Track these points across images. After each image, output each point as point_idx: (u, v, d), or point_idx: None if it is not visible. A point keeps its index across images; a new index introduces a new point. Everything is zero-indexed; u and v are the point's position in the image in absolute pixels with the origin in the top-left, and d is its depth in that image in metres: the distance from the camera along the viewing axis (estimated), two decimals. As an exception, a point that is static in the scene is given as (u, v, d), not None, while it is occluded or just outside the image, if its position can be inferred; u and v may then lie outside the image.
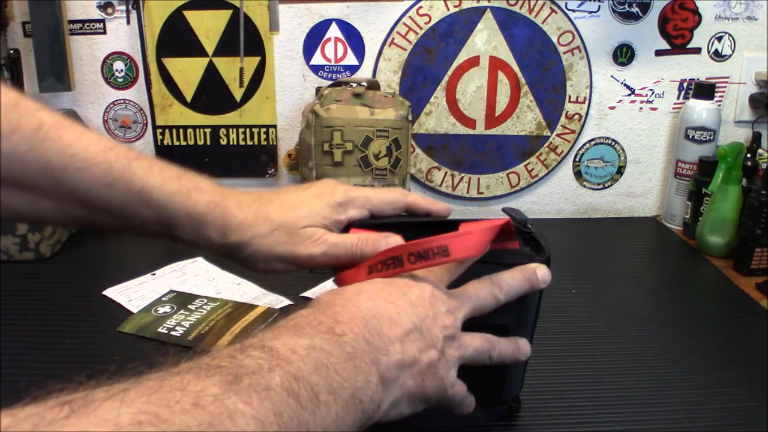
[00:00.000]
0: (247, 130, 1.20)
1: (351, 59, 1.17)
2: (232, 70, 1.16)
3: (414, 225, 0.58)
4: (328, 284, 0.87)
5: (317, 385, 0.37)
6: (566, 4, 1.15)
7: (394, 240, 0.54)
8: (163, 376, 0.32)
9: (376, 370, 0.42)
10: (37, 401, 0.28)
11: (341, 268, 0.55)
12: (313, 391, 0.36)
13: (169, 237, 0.54)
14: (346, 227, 0.57)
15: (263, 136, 1.21)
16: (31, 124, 0.48)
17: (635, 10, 1.15)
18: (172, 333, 0.77)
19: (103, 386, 0.30)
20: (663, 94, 1.21)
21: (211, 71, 1.16)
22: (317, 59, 1.17)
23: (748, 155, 1.06)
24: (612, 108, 1.21)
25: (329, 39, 1.16)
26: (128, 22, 1.13)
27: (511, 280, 0.53)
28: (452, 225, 0.55)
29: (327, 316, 0.43)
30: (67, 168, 0.49)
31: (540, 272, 0.54)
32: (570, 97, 1.20)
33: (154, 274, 0.93)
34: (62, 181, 0.49)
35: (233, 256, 0.56)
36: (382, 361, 0.43)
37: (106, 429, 0.26)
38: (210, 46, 1.15)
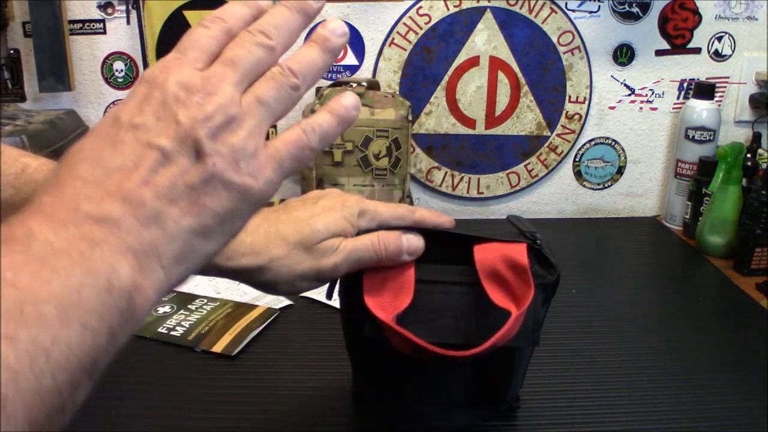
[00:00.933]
0: (247, 130, 1.20)
1: (351, 59, 1.17)
2: (232, 70, 1.16)
3: (423, 231, 0.57)
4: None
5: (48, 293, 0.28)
6: (566, 4, 1.15)
7: (414, 237, 0.54)
8: None
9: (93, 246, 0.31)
10: None
11: (367, 274, 0.54)
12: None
13: None
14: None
15: (263, 136, 1.20)
16: (14, 169, 0.47)
17: (635, 10, 1.15)
18: (172, 333, 0.77)
19: None
20: (663, 94, 1.21)
21: (211, 71, 1.16)
22: (317, 59, 1.17)
23: (748, 155, 1.06)
24: (612, 108, 1.21)
25: (329, 39, 1.16)
26: (128, 22, 1.13)
27: (273, 18, 0.41)
28: (463, 238, 0.56)
29: (21, 225, 0.31)
30: None
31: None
32: (570, 97, 1.20)
33: (154, 274, 0.93)
34: None
35: (249, 281, 0.53)
36: (101, 198, 0.32)
37: None
38: (210, 46, 1.15)
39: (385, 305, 0.52)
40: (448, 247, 0.56)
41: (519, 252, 0.54)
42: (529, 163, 1.23)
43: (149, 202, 0.33)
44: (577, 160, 1.24)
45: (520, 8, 1.14)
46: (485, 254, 0.54)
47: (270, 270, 0.52)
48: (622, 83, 1.20)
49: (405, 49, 1.16)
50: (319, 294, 0.86)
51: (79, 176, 0.32)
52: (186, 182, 0.34)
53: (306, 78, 0.41)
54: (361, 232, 0.55)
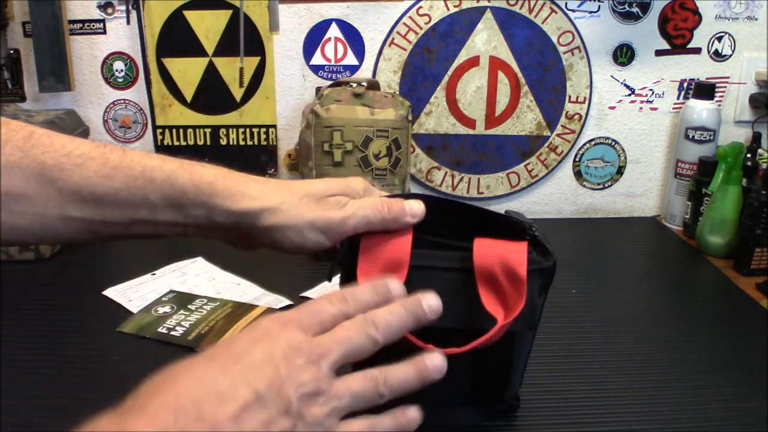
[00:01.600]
0: (247, 130, 1.20)
1: (351, 59, 1.17)
2: (232, 70, 1.16)
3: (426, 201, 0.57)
4: (328, 285, 0.87)
5: None
6: (566, 4, 1.15)
7: (416, 203, 0.55)
8: None
9: None
10: None
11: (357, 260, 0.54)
12: None
13: (182, 224, 0.53)
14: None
15: (263, 136, 1.21)
16: (21, 134, 0.49)
17: (635, 10, 1.15)
18: (172, 333, 0.77)
19: None
20: (663, 94, 1.21)
21: (211, 71, 1.16)
22: (317, 59, 1.17)
23: (748, 155, 1.06)
24: (612, 108, 1.21)
25: (329, 39, 1.16)
26: (128, 22, 1.13)
27: (390, 316, 0.44)
28: (465, 210, 0.57)
29: (119, 425, 0.36)
30: (64, 167, 0.49)
31: (426, 300, 0.46)
32: (570, 97, 1.20)
33: (154, 274, 0.93)
34: (61, 180, 0.49)
35: (255, 229, 0.53)
36: None
37: None
38: (210, 46, 1.15)
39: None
40: (449, 219, 0.57)
41: (519, 261, 0.53)
42: (529, 163, 1.23)
43: None
44: (577, 160, 1.24)
45: (520, 8, 1.14)
46: (485, 254, 0.54)
47: (280, 212, 0.52)
48: (622, 83, 1.20)
49: (405, 49, 1.16)
50: (318, 294, 0.86)
51: (180, 390, 0.37)
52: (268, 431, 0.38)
53: (387, 334, 0.44)
54: None
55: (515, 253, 0.54)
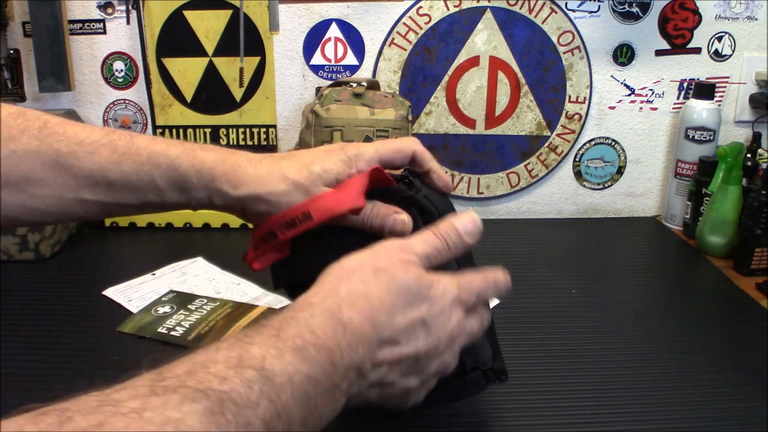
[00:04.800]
0: (247, 130, 1.20)
1: (351, 59, 1.17)
2: (232, 70, 1.16)
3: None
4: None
5: (295, 417, 0.37)
6: (566, 4, 1.15)
7: (403, 217, 0.55)
8: (152, 386, 0.33)
9: (346, 392, 0.42)
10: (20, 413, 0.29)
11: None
12: (290, 423, 0.37)
13: (187, 204, 0.55)
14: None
15: (263, 136, 1.21)
16: (37, 124, 0.52)
17: (635, 10, 1.15)
18: (172, 333, 0.77)
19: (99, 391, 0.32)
20: (663, 94, 1.21)
21: (211, 71, 1.16)
22: (317, 59, 1.17)
23: (748, 155, 1.06)
24: (612, 108, 1.21)
25: (329, 39, 1.16)
26: (128, 22, 1.13)
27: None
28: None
29: (336, 335, 0.42)
30: (77, 154, 0.52)
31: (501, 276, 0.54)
32: (570, 97, 1.20)
33: (154, 274, 0.93)
34: (75, 167, 0.52)
35: (248, 212, 0.55)
36: (357, 384, 0.43)
37: None
38: (210, 46, 1.15)
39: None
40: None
41: (368, 172, 0.55)
42: (529, 163, 1.23)
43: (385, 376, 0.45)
44: (577, 160, 1.24)
45: (520, 8, 1.14)
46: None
47: (268, 202, 0.54)
48: (622, 83, 1.20)
49: (405, 49, 1.16)
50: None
51: (361, 319, 0.44)
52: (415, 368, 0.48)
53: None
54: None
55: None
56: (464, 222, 0.53)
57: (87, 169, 0.52)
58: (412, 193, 0.57)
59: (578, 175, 1.25)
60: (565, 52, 1.17)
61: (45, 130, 0.52)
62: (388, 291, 0.46)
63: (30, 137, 0.51)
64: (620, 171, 1.25)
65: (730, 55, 1.19)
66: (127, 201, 0.54)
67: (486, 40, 1.16)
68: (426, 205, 0.57)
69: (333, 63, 1.17)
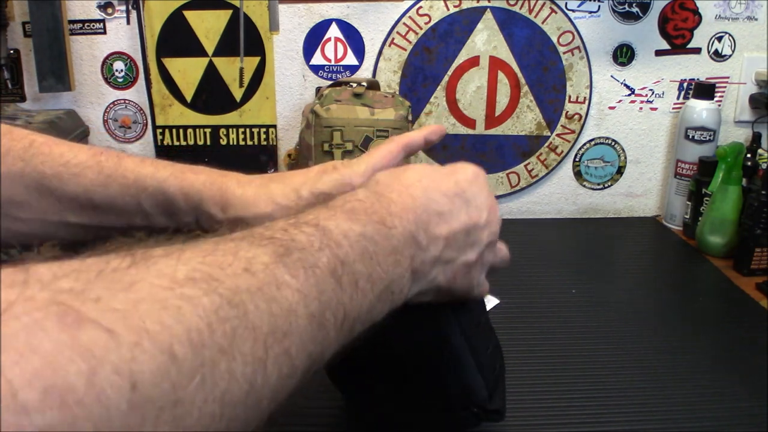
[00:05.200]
0: (247, 130, 1.20)
1: (351, 59, 1.17)
2: (232, 70, 1.16)
3: None
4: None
5: (359, 272, 0.38)
6: (566, 4, 1.15)
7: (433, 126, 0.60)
8: (218, 240, 0.33)
9: (410, 264, 0.43)
10: (97, 253, 0.29)
11: None
12: (355, 277, 0.37)
13: (176, 228, 0.54)
14: None
15: (263, 136, 1.21)
16: (22, 144, 0.51)
17: (635, 10, 1.15)
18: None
19: (161, 245, 0.31)
20: (663, 94, 1.21)
21: (211, 71, 1.16)
22: (317, 59, 1.17)
23: (748, 155, 1.06)
24: (612, 108, 1.21)
25: (329, 39, 1.16)
26: (128, 22, 1.13)
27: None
28: None
29: (382, 205, 0.43)
30: (62, 176, 0.51)
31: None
32: (570, 97, 1.20)
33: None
34: (60, 190, 0.51)
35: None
36: (419, 256, 0.44)
37: (163, 281, 0.28)
38: (210, 46, 1.15)
39: None
40: None
41: None
42: (529, 163, 1.23)
43: (441, 252, 0.46)
44: (577, 160, 1.24)
45: (520, 8, 1.14)
46: None
47: (251, 225, 0.53)
48: (622, 83, 1.20)
49: (405, 49, 1.16)
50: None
51: (403, 196, 0.45)
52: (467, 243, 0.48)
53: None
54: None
55: None
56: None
57: (71, 191, 0.51)
58: None
59: (578, 175, 1.25)
60: (565, 52, 1.17)
61: (30, 150, 0.50)
62: (420, 177, 0.47)
63: (14, 158, 0.50)
64: (620, 171, 1.25)
65: (730, 55, 1.19)
66: (113, 223, 0.53)
67: (486, 40, 1.16)
68: None
69: (333, 63, 1.17)
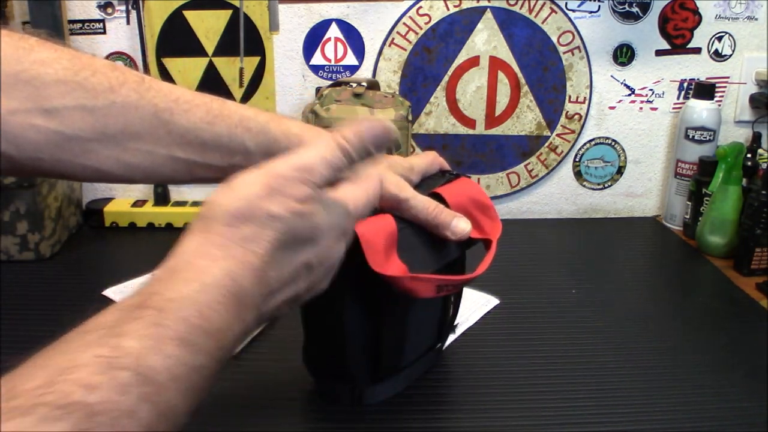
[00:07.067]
0: (247, 130, 1.20)
1: (351, 59, 1.17)
2: (232, 70, 1.16)
3: None
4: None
5: (181, 411, 0.34)
6: (566, 4, 1.15)
7: (464, 222, 0.60)
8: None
9: (245, 327, 0.41)
10: None
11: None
12: (176, 417, 0.34)
13: None
14: None
15: (263, 136, 1.20)
16: (135, 78, 0.53)
17: (635, 10, 1.15)
18: (172, 333, 0.77)
19: None
20: (663, 94, 1.21)
21: (211, 71, 1.16)
22: (317, 59, 1.17)
23: (748, 155, 1.06)
24: (612, 108, 1.21)
25: (329, 39, 1.16)
26: (128, 22, 1.13)
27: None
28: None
29: (225, 322, 0.39)
30: (173, 111, 0.53)
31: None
32: (570, 97, 1.20)
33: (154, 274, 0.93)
34: (171, 123, 0.53)
35: None
36: (243, 336, 0.41)
37: None
38: (210, 46, 1.15)
39: (392, 264, 0.56)
40: None
41: (480, 192, 0.63)
42: (529, 163, 1.23)
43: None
44: (577, 160, 1.24)
45: (520, 8, 1.14)
46: (455, 198, 0.62)
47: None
48: (622, 83, 1.20)
49: (405, 49, 1.16)
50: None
51: (252, 284, 0.42)
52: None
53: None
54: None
55: (472, 187, 0.64)
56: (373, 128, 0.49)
57: (182, 126, 0.53)
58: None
59: (578, 175, 1.25)
60: (565, 52, 1.17)
61: (143, 85, 0.52)
62: (278, 243, 0.43)
63: (129, 90, 0.51)
64: (620, 171, 1.25)
65: (730, 55, 1.19)
66: (216, 162, 0.54)
67: (486, 40, 1.16)
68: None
69: (333, 63, 1.17)
